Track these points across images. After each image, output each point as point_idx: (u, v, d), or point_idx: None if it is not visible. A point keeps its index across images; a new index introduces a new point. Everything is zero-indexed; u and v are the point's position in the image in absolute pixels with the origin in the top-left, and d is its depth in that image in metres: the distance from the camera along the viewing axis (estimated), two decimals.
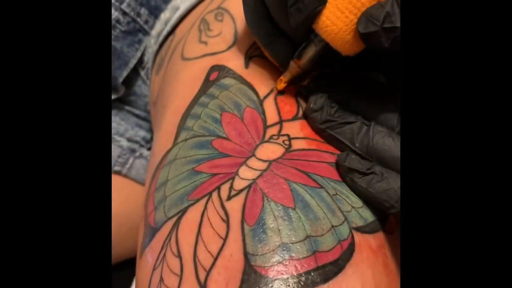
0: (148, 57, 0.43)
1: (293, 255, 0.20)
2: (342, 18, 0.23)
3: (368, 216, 0.24)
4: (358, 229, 0.23)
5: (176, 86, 0.30)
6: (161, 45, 0.41)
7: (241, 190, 0.23)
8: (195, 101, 0.28)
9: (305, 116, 0.27)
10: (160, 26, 0.42)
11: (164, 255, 0.22)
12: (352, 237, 0.22)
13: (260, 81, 0.28)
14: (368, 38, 0.23)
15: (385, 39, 0.22)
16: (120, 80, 0.43)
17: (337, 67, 0.28)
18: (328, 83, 0.28)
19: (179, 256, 0.22)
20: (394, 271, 0.24)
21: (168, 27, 0.41)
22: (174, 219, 0.23)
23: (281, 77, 0.27)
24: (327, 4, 0.23)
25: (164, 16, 0.42)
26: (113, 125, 0.45)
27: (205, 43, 0.32)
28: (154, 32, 0.42)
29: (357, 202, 0.24)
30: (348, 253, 0.22)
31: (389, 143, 0.24)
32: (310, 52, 0.25)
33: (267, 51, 0.27)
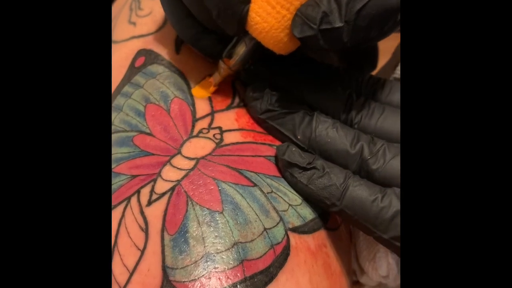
0: None
1: (218, 266, 0.18)
2: (273, 14, 0.20)
3: (307, 214, 0.22)
4: (295, 229, 0.21)
5: None
6: None
7: (163, 194, 0.20)
8: (118, 90, 0.25)
9: (244, 105, 0.25)
10: None
11: None
12: (288, 239, 0.20)
13: (193, 68, 0.25)
14: (305, 42, 0.20)
15: (324, 41, 0.20)
16: None
17: None
18: (270, 67, 0.25)
19: None
20: (338, 270, 0.22)
21: None
22: None
23: (210, 79, 0.24)
24: None
25: None
26: None
27: (134, 23, 0.28)
28: None
29: (295, 199, 0.22)
30: (282, 258, 0.20)
31: (332, 134, 0.22)
32: (241, 51, 0.23)
33: (196, 49, 0.24)
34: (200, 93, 0.24)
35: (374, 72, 0.32)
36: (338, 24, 0.19)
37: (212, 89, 0.24)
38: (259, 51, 0.23)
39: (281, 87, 0.24)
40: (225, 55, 0.23)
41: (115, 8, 0.35)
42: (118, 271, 0.19)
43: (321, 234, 0.22)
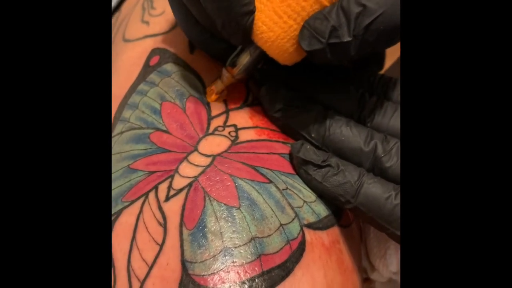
0: None
1: (236, 260, 0.19)
2: (280, 24, 0.20)
3: (322, 210, 0.22)
4: (310, 225, 0.21)
5: (115, 72, 0.28)
6: None
7: (180, 190, 0.21)
8: (133, 88, 0.25)
9: (258, 104, 0.25)
10: None
11: None
12: (303, 235, 0.21)
13: (207, 68, 0.25)
14: (312, 54, 0.21)
15: (331, 55, 0.20)
16: None
17: None
18: (283, 67, 0.26)
19: (113, 264, 0.20)
20: (350, 267, 0.23)
21: (114, 3, 0.37)
22: None
23: (212, 87, 0.24)
24: (263, 7, 0.20)
25: None
26: None
27: (147, 23, 0.29)
28: None
29: (310, 196, 0.22)
30: (298, 253, 0.20)
31: (346, 133, 0.23)
32: (245, 60, 0.23)
33: (207, 54, 0.25)
34: None
35: (381, 72, 0.33)
36: (347, 38, 0.19)
37: (214, 97, 0.24)
38: (263, 60, 0.23)
39: (295, 86, 0.25)
40: (228, 64, 0.23)
41: (126, 6, 0.36)
42: (137, 265, 0.19)
43: (335, 231, 0.22)
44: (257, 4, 0.20)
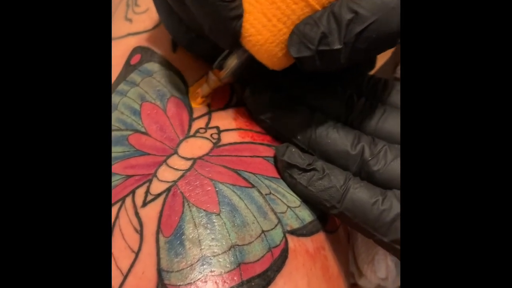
0: None
1: (214, 269, 0.18)
2: (269, 27, 0.19)
3: (306, 216, 0.21)
4: (293, 232, 0.20)
5: None
6: None
7: (158, 195, 0.20)
8: (112, 88, 0.24)
9: (242, 105, 0.24)
10: None
11: None
12: (286, 242, 0.20)
13: (190, 67, 0.25)
14: (301, 61, 0.20)
15: (320, 62, 0.19)
16: None
17: None
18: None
19: None
20: (336, 273, 0.22)
21: None
22: None
23: (198, 90, 0.23)
24: (251, 9, 0.19)
25: None
26: None
27: (130, 20, 0.28)
28: None
29: (294, 201, 0.21)
30: (280, 261, 0.19)
31: (333, 135, 0.22)
32: (232, 64, 0.22)
33: (191, 53, 0.24)
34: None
35: (373, 72, 0.32)
36: (337, 46, 0.19)
37: (200, 100, 0.23)
38: (251, 64, 0.22)
39: (281, 87, 0.24)
40: (215, 66, 0.22)
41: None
42: (112, 274, 0.18)
43: (320, 237, 0.22)
44: (245, 5, 0.19)
